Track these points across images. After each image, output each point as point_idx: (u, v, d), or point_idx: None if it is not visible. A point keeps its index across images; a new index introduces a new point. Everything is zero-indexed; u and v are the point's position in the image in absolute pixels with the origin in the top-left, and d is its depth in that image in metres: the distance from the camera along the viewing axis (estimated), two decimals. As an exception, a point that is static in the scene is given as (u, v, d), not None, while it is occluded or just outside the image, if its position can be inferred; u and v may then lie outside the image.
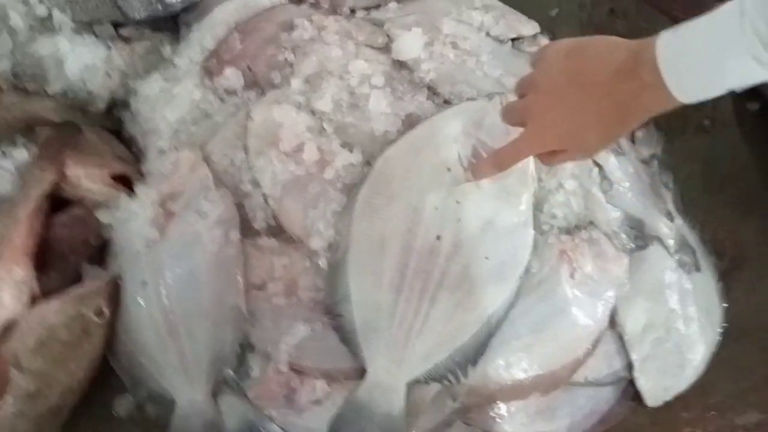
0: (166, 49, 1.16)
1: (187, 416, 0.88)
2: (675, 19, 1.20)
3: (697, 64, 0.60)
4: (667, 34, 0.63)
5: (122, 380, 0.92)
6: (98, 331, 0.90)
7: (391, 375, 0.86)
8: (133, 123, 1.10)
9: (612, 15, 1.26)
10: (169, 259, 0.90)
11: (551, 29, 1.18)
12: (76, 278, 0.94)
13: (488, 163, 0.84)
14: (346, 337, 0.88)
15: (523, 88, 0.78)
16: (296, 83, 1.01)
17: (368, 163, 0.95)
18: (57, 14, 1.12)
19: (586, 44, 0.72)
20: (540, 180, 0.94)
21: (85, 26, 1.14)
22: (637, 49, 0.65)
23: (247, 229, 0.93)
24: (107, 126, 1.10)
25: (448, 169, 0.89)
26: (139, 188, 0.97)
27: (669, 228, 0.97)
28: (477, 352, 0.86)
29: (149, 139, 1.06)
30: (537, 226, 0.91)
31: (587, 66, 0.70)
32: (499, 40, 1.13)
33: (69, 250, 0.94)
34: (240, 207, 0.94)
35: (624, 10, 1.26)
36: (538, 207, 0.93)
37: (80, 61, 1.12)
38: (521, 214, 0.90)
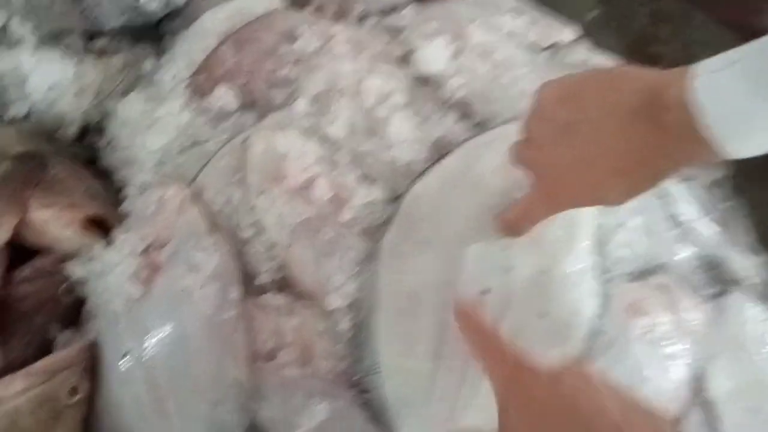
0: (147, 64, 1.03)
1: None
2: (726, 24, 1.08)
3: (746, 110, 0.48)
4: (703, 67, 0.50)
5: None
6: (72, 414, 0.75)
7: None
8: (110, 152, 0.95)
9: (654, 18, 1.13)
10: (153, 323, 0.76)
11: (590, 34, 1.05)
12: (44, 346, 0.78)
13: (504, 227, 0.72)
14: (375, 415, 0.74)
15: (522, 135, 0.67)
16: (301, 104, 0.87)
17: (392, 200, 0.81)
18: (16, 24, 0.97)
19: (584, 86, 0.60)
20: (598, 217, 0.80)
21: (51, 38, 0.99)
22: (657, 86, 0.53)
23: (248, 285, 0.79)
24: (79, 156, 0.95)
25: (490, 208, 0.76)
26: (118, 234, 0.82)
27: (751, 266, 0.84)
28: None
29: (129, 171, 0.92)
30: (599, 273, 0.78)
31: (589, 114, 0.58)
32: (534, 49, 0.99)
33: (34, 310, 0.79)
34: (239, 257, 0.80)
35: (668, 12, 1.13)
36: (598, 250, 0.79)
37: (46, 78, 0.97)
38: (581, 260, 0.76)
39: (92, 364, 0.77)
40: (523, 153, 0.68)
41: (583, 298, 0.75)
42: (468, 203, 0.76)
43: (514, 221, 0.72)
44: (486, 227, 0.75)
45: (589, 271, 0.76)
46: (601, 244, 0.80)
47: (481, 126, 0.86)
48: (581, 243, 0.76)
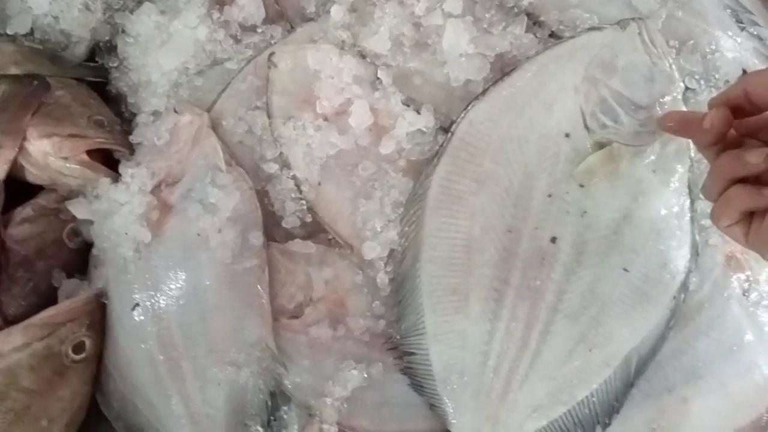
0: (161, -30, 0.92)
1: (201, 485, 0.70)
2: None
3: None
4: None
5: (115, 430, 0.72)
6: (78, 372, 0.69)
7: None
8: (121, 74, 0.85)
9: None
10: (164, 272, 0.68)
11: None
12: (46, 296, 0.72)
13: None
14: (419, 384, 0.68)
15: None
16: (337, 13, 0.76)
17: (444, 129, 0.72)
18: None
19: None
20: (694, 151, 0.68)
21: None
22: None
23: (272, 229, 0.72)
24: (87, 78, 0.85)
25: (567, 136, 0.64)
26: (125, 168, 0.73)
27: None
28: (610, 407, 0.64)
29: (140, 96, 0.82)
30: (693, 219, 0.66)
31: None
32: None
33: (36, 254, 0.72)
34: (262, 196, 0.73)
35: None
36: (693, 192, 0.66)
37: (49, -11, 0.88)
38: (676, 202, 0.64)
39: (100, 318, 0.71)
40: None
41: (673, 248, 0.65)
42: (537, 131, 0.65)
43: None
44: (561, 159, 0.63)
45: (682, 217, 0.65)
46: (695, 184, 0.68)
47: (556, 37, 0.75)
48: (674, 182, 0.65)
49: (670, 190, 0.64)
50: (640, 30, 0.66)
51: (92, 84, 0.86)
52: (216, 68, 0.82)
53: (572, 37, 0.71)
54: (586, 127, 0.63)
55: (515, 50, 0.73)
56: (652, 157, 0.64)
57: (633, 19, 0.68)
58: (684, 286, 0.64)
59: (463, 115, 0.68)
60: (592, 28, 0.70)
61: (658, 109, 0.61)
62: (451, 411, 0.66)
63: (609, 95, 0.63)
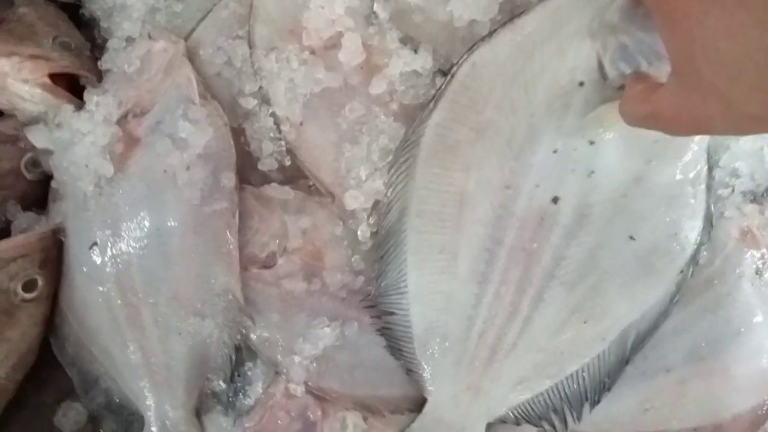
0: None
1: (159, 440, 0.66)
2: None
3: None
4: None
5: (70, 378, 0.68)
6: (29, 313, 0.64)
7: (462, 409, 0.62)
8: (96, -6, 0.79)
9: None
10: (126, 210, 0.63)
11: None
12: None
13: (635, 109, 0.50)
14: (396, 347, 0.63)
15: None
16: None
17: (442, 72, 0.66)
18: None
19: None
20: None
21: None
22: None
23: (247, 171, 0.67)
24: (57, -1, 0.80)
25: (581, 84, 0.57)
26: (91, 96, 0.67)
27: None
28: (600, 384, 0.60)
29: (114, 20, 0.74)
30: (709, 187, 0.60)
31: None
32: None
33: (-11, 184, 0.68)
34: (238, 134, 0.67)
35: None
36: (712, 158, 0.60)
37: None
38: (692, 167, 0.58)
39: (55, 256, 0.66)
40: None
41: (685, 218, 0.59)
42: (548, 79, 0.58)
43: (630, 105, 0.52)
44: (570, 111, 0.57)
45: (698, 184, 0.59)
46: (715, 150, 0.63)
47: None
48: (692, 145, 0.59)
49: (687, 154, 0.58)
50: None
51: (64, 6, 0.80)
52: (196, -8, 0.76)
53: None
54: (603, 77, 0.56)
55: (527, -10, 0.68)
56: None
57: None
58: (693, 260, 0.59)
59: (466, 56, 0.61)
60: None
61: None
62: (429, 378, 0.62)
63: (629, 42, 0.57)
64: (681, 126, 0.45)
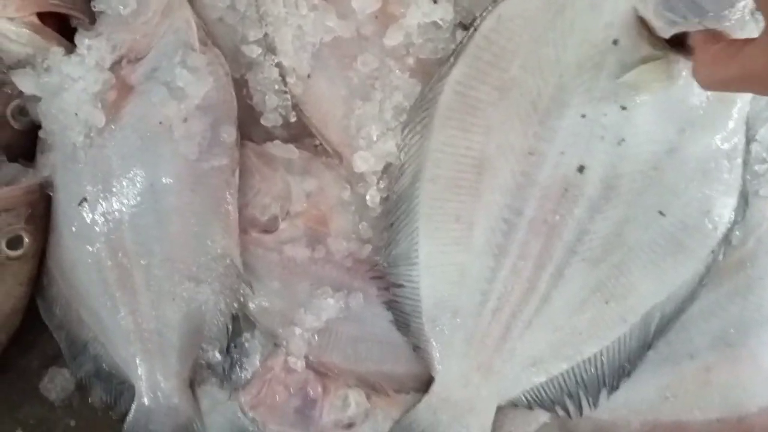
0: None
1: (150, 411, 0.63)
2: None
3: None
4: None
5: (57, 343, 0.65)
6: (14, 270, 0.61)
7: (471, 389, 0.59)
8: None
9: None
10: (118, 163, 0.59)
11: None
12: None
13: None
14: (404, 321, 0.60)
15: None
16: None
17: (463, 26, 0.62)
18: None
19: None
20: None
21: None
22: None
23: (249, 126, 0.63)
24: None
25: (615, 43, 0.53)
26: (82, 38, 0.62)
27: None
28: (620, 368, 0.58)
29: (111, -43, 0.71)
30: (746, 162, 0.56)
31: None
32: None
33: (-27, 132, 0.64)
34: (240, 85, 0.63)
35: None
36: (750, 131, 0.56)
37: None
38: (729, 140, 0.54)
39: (43, 211, 0.62)
40: None
41: (719, 194, 0.55)
42: (580, 35, 0.53)
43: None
44: (604, 71, 0.52)
45: (734, 158, 0.55)
46: (753, 123, 0.58)
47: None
48: (731, 115, 0.55)
49: (725, 125, 0.54)
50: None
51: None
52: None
53: None
54: (640, 35, 0.51)
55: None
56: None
57: None
58: (726, 239, 0.55)
59: (490, 8, 0.56)
60: None
61: (727, 14, 0.51)
62: (438, 355, 0.59)
63: (677, -3, 0.53)
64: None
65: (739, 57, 0.42)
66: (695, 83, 0.55)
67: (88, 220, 0.60)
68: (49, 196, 0.64)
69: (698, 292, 0.56)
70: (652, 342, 0.57)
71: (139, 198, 0.59)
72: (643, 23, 0.53)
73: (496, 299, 0.56)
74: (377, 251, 0.61)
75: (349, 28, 0.60)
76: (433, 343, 0.59)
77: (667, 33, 0.51)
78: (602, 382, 0.57)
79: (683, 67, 0.53)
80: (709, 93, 0.55)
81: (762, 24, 0.43)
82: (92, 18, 0.66)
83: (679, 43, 0.52)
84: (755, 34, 0.42)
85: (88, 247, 0.61)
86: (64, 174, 0.62)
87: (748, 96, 0.56)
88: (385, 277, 0.61)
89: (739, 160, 0.56)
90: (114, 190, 0.59)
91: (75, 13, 0.66)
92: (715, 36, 0.48)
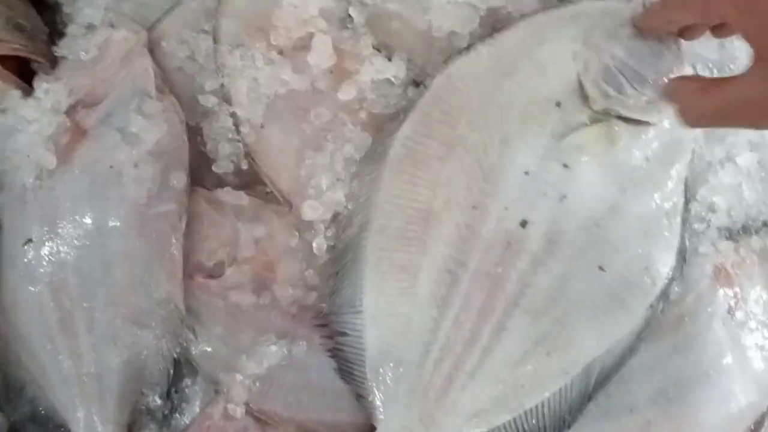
0: None
1: (86, 457, 0.61)
2: None
3: None
4: None
5: None
6: None
7: None
8: (62, -22, 0.75)
9: None
10: (66, 205, 0.59)
11: None
12: None
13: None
14: (347, 370, 0.59)
15: None
16: None
17: (416, 83, 0.64)
18: None
19: None
20: (697, 145, 0.60)
21: None
22: None
23: (202, 173, 0.63)
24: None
25: (558, 105, 0.55)
26: (41, 82, 0.63)
27: None
28: (560, 421, 0.57)
29: (77, 5, 0.70)
30: (685, 221, 0.58)
31: None
32: None
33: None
34: (195, 133, 0.64)
35: None
36: (690, 191, 0.59)
37: None
38: (668, 199, 0.56)
39: (-13, 249, 0.62)
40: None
41: (659, 251, 0.57)
42: (525, 96, 0.56)
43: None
44: (547, 131, 0.55)
45: (674, 217, 0.57)
46: (693, 183, 0.61)
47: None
48: (670, 176, 0.57)
49: (665, 185, 0.56)
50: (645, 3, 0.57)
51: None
52: (169, -16, 0.73)
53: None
54: (582, 98, 0.54)
55: (511, 6, 0.62)
56: (653, 144, 0.55)
57: (642, -12, 0.61)
58: (664, 295, 0.56)
59: (442, 68, 0.59)
60: (600, -10, 0.63)
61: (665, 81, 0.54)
62: (380, 405, 0.57)
63: (612, 64, 0.55)
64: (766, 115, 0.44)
65: (725, 90, 0.45)
66: (636, 145, 0.58)
67: (33, 261, 0.59)
68: (-6, 234, 0.64)
69: (637, 346, 0.57)
70: (592, 394, 0.56)
71: (85, 240, 0.59)
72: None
73: (438, 350, 0.55)
74: (322, 299, 0.61)
75: (303, 81, 0.61)
76: (376, 392, 0.57)
77: (599, 105, 0.54)
78: (544, 433, 0.58)
79: (624, 130, 0.55)
80: (649, 154, 0.57)
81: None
82: (53, 62, 0.67)
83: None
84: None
85: (30, 287, 0.60)
86: (12, 214, 0.62)
87: (687, 157, 0.58)
88: (329, 325, 0.59)
89: (679, 219, 0.57)
90: (60, 231, 0.59)
91: (36, 57, 0.67)
92: (691, 76, 0.52)
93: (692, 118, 0.49)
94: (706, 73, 0.64)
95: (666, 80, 0.53)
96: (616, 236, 0.56)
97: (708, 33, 0.53)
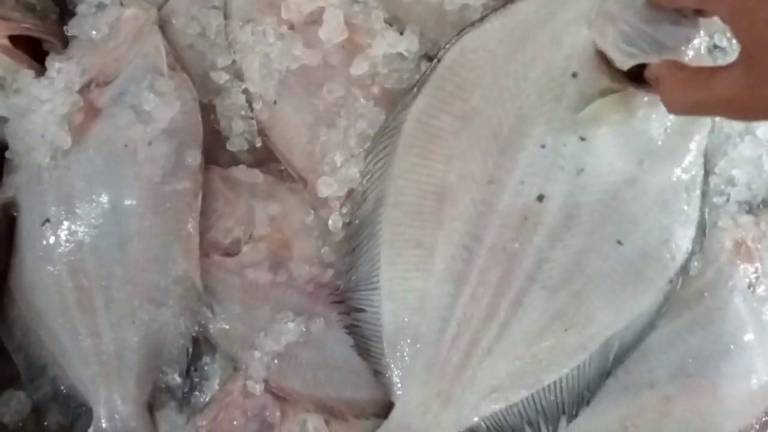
0: None
1: (107, 435, 0.62)
2: None
3: None
4: None
5: (14, 365, 0.63)
6: None
7: (430, 416, 0.58)
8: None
9: None
10: (82, 185, 0.59)
11: None
12: None
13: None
14: (364, 346, 0.60)
15: None
16: None
17: (428, 57, 0.63)
18: None
19: None
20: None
21: None
22: None
23: (215, 150, 0.63)
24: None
25: (574, 75, 0.54)
26: (53, 62, 0.63)
27: None
28: (579, 396, 0.57)
29: (89, -16, 0.72)
30: (704, 194, 0.57)
31: None
32: None
33: (-61, 151, 0.63)
34: (208, 111, 0.63)
35: None
36: (709, 163, 0.57)
37: None
38: (687, 171, 0.55)
39: (6, 231, 0.62)
40: None
41: (678, 224, 0.56)
42: (540, 68, 0.54)
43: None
44: (563, 104, 0.53)
45: (693, 190, 0.56)
46: (712, 155, 0.60)
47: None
48: (689, 147, 0.56)
49: (684, 157, 0.55)
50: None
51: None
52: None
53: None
54: (599, 68, 0.52)
55: (524, -25, 0.64)
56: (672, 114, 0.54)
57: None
58: (684, 270, 0.56)
59: (454, 41, 0.57)
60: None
61: (684, 50, 0.52)
62: (398, 381, 0.58)
63: (630, 31, 0.53)
64: (748, 111, 0.43)
65: (711, 83, 0.44)
66: (654, 115, 0.57)
67: (51, 241, 0.60)
68: (13, 217, 0.63)
69: (657, 322, 0.56)
70: (611, 370, 0.56)
71: (101, 220, 0.59)
72: (602, 56, 0.54)
73: (455, 326, 0.56)
74: (339, 276, 0.61)
75: (315, 56, 0.60)
76: (393, 368, 0.58)
77: (625, 65, 0.52)
78: (561, 410, 0.56)
79: (642, 100, 0.54)
80: (667, 125, 0.57)
81: (731, 57, 0.44)
82: (64, 42, 0.66)
83: (637, 76, 0.53)
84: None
85: (49, 268, 0.60)
86: (29, 195, 0.62)
87: (706, 129, 0.57)
88: (346, 302, 0.60)
89: (698, 192, 0.56)
90: (77, 211, 0.59)
91: (47, 37, 0.66)
92: (678, 63, 0.49)
93: (675, 106, 0.47)
94: (723, 43, 0.63)
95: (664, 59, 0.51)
96: (634, 209, 0.55)
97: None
